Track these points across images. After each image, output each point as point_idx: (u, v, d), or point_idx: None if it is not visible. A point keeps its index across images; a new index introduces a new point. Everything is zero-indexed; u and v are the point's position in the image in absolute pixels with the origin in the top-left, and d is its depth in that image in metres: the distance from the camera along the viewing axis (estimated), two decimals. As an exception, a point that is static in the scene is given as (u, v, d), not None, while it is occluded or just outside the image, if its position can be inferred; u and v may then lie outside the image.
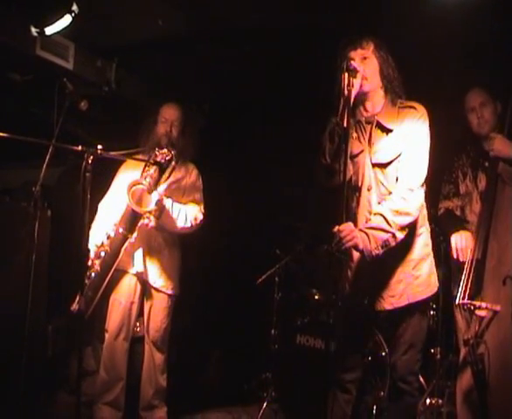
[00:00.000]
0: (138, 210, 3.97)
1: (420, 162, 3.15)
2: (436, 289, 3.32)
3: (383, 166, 3.19)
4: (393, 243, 3.06)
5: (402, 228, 3.07)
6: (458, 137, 4.12)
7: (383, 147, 3.19)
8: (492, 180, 3.62)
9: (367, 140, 3.23)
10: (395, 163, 3.17)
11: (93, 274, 3.98)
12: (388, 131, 3.20)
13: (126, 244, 4.02)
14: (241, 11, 4.42)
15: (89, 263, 3.99)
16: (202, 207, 4.37)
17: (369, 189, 3.21)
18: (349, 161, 3.19)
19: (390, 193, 3.16)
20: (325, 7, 4.21)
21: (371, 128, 3.23)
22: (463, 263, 3.62)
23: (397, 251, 3.14)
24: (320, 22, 4.38)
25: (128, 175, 4.26)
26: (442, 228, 4.09)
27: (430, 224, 4.20)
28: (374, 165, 3.20)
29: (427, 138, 3.18)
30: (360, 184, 3.25)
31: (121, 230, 3.98)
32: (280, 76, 5.26)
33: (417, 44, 4.33)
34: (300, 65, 4.94)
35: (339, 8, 4.20)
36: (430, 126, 3.20)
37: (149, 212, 4.02)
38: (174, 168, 4.23)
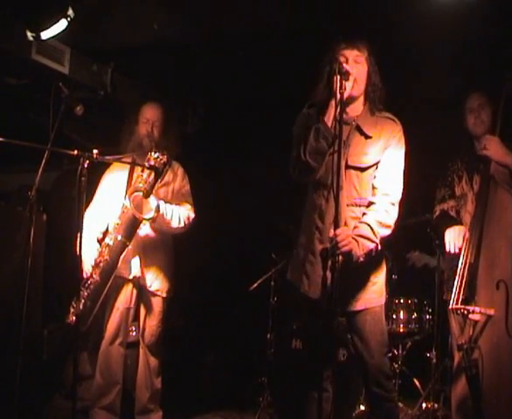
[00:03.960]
0: (140, 218, 3.97)
1: (400, 177, 3.24)
2: (385, 299, 3.39)
3: (360, 170, 3.22)
4: (374, 253, 3.16)
5: (383, 239, 3.18)
6: (452, 142, 4.13)
7: (361, 152, 3.22)
8: (485, 182, 3.62)
9: (343, 140, 3.17)
10: (372, 170, 3.22)
11: (91, 285, 3.98)
12: (367, 137, 3.24)
13: (125, 252, 4.02)
14: (238, 15, 4.43)
15: (87, 273, 3.99)
16: (192, 205, 4.37)
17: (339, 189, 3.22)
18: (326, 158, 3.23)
19: (361, 197, 3.21)
20: (322, 9, 4.22)
21: (350, 130, 3.25)
22: (454, 255, 3.62)
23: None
24: (317, 24, 4.38)
25: (114, 177, 4.28)
26: (438, 229, 4.09)
27: (425, 228, 4.23)
28: (350, 167, 3.22)
29: (404, 153, 3.26)
30: (330, 182, 3.22)
31: (119, 238, 3.98)
32: (276, 79, 5.26)
33: (412, 47, 4.35)
34: (296, 68, 4.94)
35: (335, 10, 4.21)
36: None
37: (149, 219, 4.03)
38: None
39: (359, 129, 3.25)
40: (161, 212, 4.05)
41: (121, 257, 4.02)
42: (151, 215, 4.00)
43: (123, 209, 4.01)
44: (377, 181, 3.22)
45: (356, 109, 3.30)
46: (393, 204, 3.19)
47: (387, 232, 3.19)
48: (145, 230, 4.19)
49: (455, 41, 4.29)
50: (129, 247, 4.04)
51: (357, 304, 3.23)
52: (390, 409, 3.32)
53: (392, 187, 3.21)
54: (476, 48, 4.36)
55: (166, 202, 4.17)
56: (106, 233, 4.19)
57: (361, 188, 3.22)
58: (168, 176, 4.29)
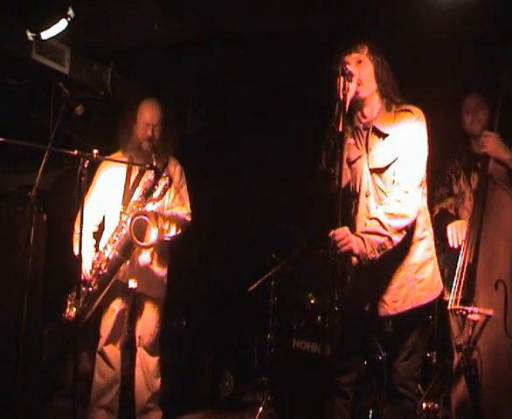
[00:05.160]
0: (137, 244, 4.00)
1: (416, 164, 3.14)
2: (439, 292, 3.29)
3: (380, 171, 3.18)
4: (390, 247, 3.04)
5: (398, 230, 3.05)
6: (451, 142, 4.13)
7: (379, 152, 3.19)
8: (483, 181, 3.62)
9: (364, 146, 3.24)
10: (392, 167, 3.15)
11: (90, 293, 4.01)
12: (384, 136, 3.20)
13: (122, 267, 4.06)
14: (237, 15, 4.43)
15: (85, 272, 4.01)
16: (188, 205, 4.37)
17: (367, 195, 3.21)
18: (346, 167, 3.23)
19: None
20: (322, 10, 4.22)
21: (368, 134, 3.24)
22: (455, 253, 3.61)
23: (399, 256, 3.14)
24: (317, 24, 4.39)
25: (111, 172, 4.27)
26: (438, 228, 4.08)
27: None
28: (371, 170, 3.20)
29: (423, 139, 3.17)
30: (358, 190, 3.25)
31: (117, 254, 4.01)
32: (276, 79, 5.27)
33: (410, 47, 4.35)
34: (297, 69, 4.95)
35: (336, 10, 4.21)
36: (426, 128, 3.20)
37: (147, 247, 4.06)
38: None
39: (376, 131, 3.22)
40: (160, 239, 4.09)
41: (118, 270, 4.07)
42: (150, 243, 4.03)
43: (122, 224, 4.03)
44: (395, 174, 3.16)
45: (374, 110, 3.26)
46: (407, 192, 3.08)
47: (404, 222, 3.05)
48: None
49: (454, 41, 4.29)
50: (127, 263, 4.09)
51: (404, 304, 3.16)
52: (408, 408, 3.28)
53: (406, 175, 3.11)
54: (476, 48, 4.36)
55: (162, 214, 4.18)
56: (101, 226, 4.26)
57: (386, 188, 3.16)
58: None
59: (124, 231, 4.01)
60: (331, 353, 3.31)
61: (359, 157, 3.25)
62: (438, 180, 4.07)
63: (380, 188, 3.19)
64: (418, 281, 3.18)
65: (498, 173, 3.58)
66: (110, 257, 4.03)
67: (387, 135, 3.19)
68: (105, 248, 4.09)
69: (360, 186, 3.24)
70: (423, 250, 3.23)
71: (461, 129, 3.99)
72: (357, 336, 3.34)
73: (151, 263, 4.24)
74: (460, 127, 3.98)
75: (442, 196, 4.02)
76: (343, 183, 3.14)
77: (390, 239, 3.03)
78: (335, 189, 3.04)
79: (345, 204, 3.20)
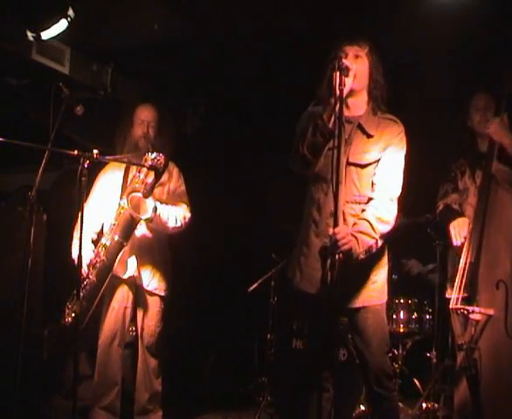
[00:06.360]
0: (138, 218, 3.97)
1: (400, 175, 3.23)
2: (386, 298, 3.34)
3: (360, 166, 3.21)
4: (374, 250, 3.14)
5: (383, 235, 3.16)
6: (452, 142, 4.13)
7: (362, 150, 3.22)
8: (486, 181, 3.62)
9: (344, 138, 3.19)
10: (372, 167, 3.21)
11: (88, 286, 3.97)
12: (369, 135, 3.23)
13: (121, 252, 4.02)
14: (237, 16, 4.43)
15: (84, 273, 3.98)
16: (188, 205, 4.36)
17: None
18: (323, 153, 3.20)
19: (360, 194, 3.20)
20: (322, 10, 4.23)
21: (352, 129, 3.24)
22: (460, 248, 3.62)
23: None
24: (317, 25, 4.39)
25: (109, 178, 4.26)
26: (442, 224, 4.07)
27: (425, 229, 4.19)
28: (350, 163, 3.21)
29: (404, 152, 3.25)
30: (330, 177, 3.19)
31: (116, 238, 3.97)
32: (276, 79, 5.27)
33: (416, 45, 4.36)
34: (296, 70, 4.95)
35: (336, 10, 4.21)
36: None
37: (147, 220, 4.03)
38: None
39: (361, 128, 3.24)
40: (158, 213, 4.05)
41: (118, 257, 4.02)
42: (148, 215, 4.00)
43: (120, 210, 4.01)
44: (376, 177, 3.21)
45: (360, 107, 3.28)
46: (392, 200, 3.18)
47: (387, 228, 3.15)
48: (141, 230, 4.18)
49: (455, 41, 4.29)
50: (126, 248, 4.05)
51: (357, 301, 3.21)
52: (390, 409, 3.30)
53: (391, 183, 3.20)
54: (476, 48, 4.36)
55: (162, 203, 4.16)
56: (100, 233, 4.20)
57: (361, 186, 3.21)
58: (163, 177, 4.26)
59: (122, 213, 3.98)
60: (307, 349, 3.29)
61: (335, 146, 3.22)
62: (442, 177, 4.07)
63: (354, 182, 3.22)
64: (372, 282, 3.24)
65: (501, 173, 3.58)
66: (108, 243, 3.99)
67: (372, 136, 3.23)
68: (104, 238, 4.05)
69: (332, 174, 3.21)
70: (380, 254, 3.27)
71: (468, 128, 3.98)
72: (327, 331, 3.29)
73: (151, 256, 4.22)
74: (467, 125, 3.97)
75: (447, 192, 4.02)
76: (316, 168, 3.20)
77: (376, 242, 3.14)
78: (312, 176, 3.23)
79: (314, 187, 3.28)
